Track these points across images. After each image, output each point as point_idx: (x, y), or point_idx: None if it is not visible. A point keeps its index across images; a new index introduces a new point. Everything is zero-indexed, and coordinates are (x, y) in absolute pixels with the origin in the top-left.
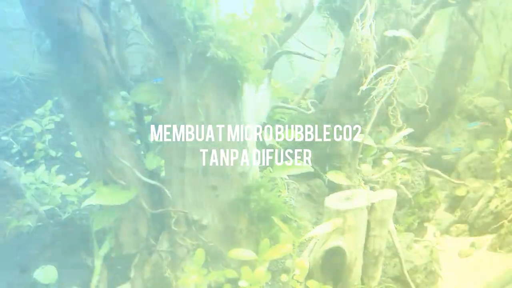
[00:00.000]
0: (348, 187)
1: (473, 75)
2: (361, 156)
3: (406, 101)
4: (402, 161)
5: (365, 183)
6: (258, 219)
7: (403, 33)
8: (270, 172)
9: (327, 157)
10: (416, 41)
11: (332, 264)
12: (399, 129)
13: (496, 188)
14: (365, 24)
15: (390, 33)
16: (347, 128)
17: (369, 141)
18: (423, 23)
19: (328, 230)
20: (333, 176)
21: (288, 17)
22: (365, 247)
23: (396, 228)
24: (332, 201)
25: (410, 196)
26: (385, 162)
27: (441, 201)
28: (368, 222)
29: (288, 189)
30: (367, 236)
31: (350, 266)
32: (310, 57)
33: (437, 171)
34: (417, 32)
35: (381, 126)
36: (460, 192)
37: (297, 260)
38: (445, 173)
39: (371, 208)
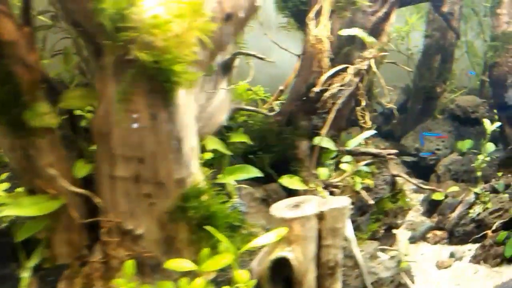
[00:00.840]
0: (305, 192)
1: (453, 73)
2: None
3: (385, 101)
4: (366, 164)
5: (325, 187)
6: (199, 228)
7: (358, 32)
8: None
9: (284, 160)
10: (373, 40)
11: (281, 275)
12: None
13: (476, 193)
14: (320, 23)
15: (345, 32)
16: (305, 131)
17: (327, 144)
18: (382, 21)
19: (270, 241)
20: (287, 181)
21: (228, 17)
22: (318, 257)
23: (358, 236)
24: (279, 208)
25: (371, 201)
26: (343, 166)
27: (412, 206)
28: (320, 231)
29: (240, 194)
30: (319, 246)
31: (300, 278)
32: (261, 58)
33: (404, 175)
34: (376, 30)
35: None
36: (437, 196)
37: (237, 272)
38: (425, 176)
39: (321, 217)
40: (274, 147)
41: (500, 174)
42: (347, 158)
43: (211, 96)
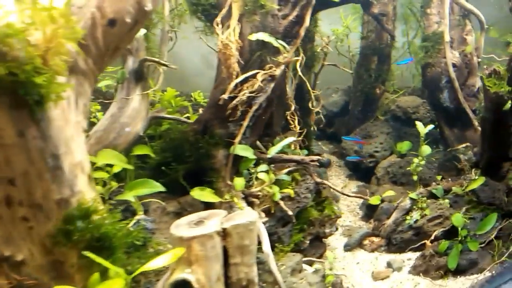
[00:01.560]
0: (220, 204)
1: (394, 74)
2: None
3: (327, 103)
4: (289, 172)
5: (245, 198)
6: (90, 251)
7: (264, 36)
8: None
9: (200, 171)
10: (283, 44)
11: None
12: (299, 135)
13: (412, 199)
14: (230, 28)
15: (253, 36)
16: (221, 140)
17: (244, 152)
18: (295, 25)
19: (166, 263)
20: (198, 193)
21: (112, 23)
22: (227, 276)
23: (280, 249)
24: (179, 226)
25: (290, 212)
26: (260, 175)
27: (341, 214)
28: (226, 249)
29: (149, 209)
30: (227, 264)
31: None
32: (165, 65)
33: (327, 182)
34: (290, 34)
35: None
36: (374, 200)
37: None
38: (366, 178)
39: (225, 234)
40: (189, 157)
41: (439, 177)
42: (263, 167)
43: (123, 105)
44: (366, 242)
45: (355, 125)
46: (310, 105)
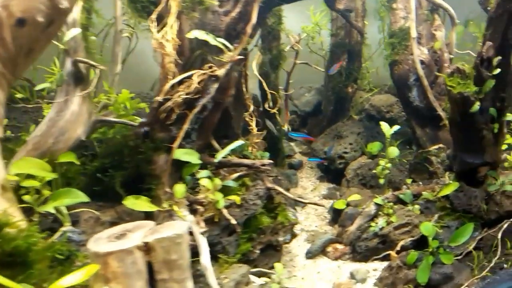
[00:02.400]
0: (159, 213)
1: (367, 72)
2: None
3: (300, 103)
4: (239, 177)
5: (190, 205)
6: (2, 266)
7: (199, 34)
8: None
9: (139, 178)
10: (223, 42)
11: None
12: (258, 136)
13: (378, 204)
14: (167, 25)
15: (191, 35)
16: (162, 144)
17: (187, 157)
18: (239, 22)
19: (78, 280)
20: (132, 202)
21: (21, 22)
22: None
23: (224, 260)
24: (99, 240)
25: (233, 221)
26: (203, 181)
27: (296, 221)
28: (152, 264)
29: (81, 220)
30: (154, 280)
31: None
32: (94, 66)
33: (278, 187)
34: (233, 32)
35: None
36: (339, 204)
37: None
38: (337, 180)
39: (148, 248)
40: (128, 163)
41: (409, 181)
42: (205, 172)
43: (62, 109)
44: (329, 249)
45: (328, 125)
46: (266, 106)
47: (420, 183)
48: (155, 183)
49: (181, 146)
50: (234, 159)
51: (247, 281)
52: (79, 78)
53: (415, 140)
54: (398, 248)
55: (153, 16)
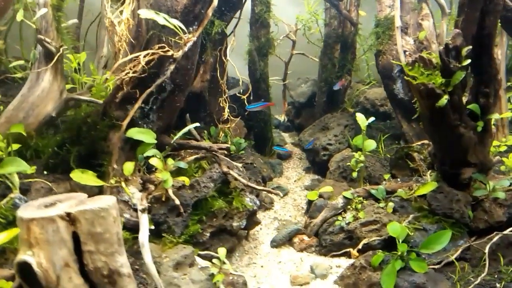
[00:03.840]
0: (107, 188)
1: (367, 64)
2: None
3: (295, 93)
4: (196, 159)
5: (144, 183)
6: None
7: (150, 14)
8: None
9: (93, 154)
10: (177, 24)
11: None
12: (227, 122)
13: (346, 198)
14: (124, 5)
15: (143, 14)
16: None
17: (141, 136)
18: (196, 4)
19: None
20: (78, 176)
21: None
22: (83, 264)
23: (170, 240)
24: (28, 207)
25: (177, 201)
26: (153, 161)
27: (252, 207)
28: (77, 235)
29: (33, 189)
30: (82, 251)
31: (49, 285)
32: (51, 44)
33: (233, 172)
34: (191, 14)
35: None
36: (311, 196)
37: None
38: (322, 172)
39: (72, 219)
40: (85, 139)
41: (387, 176)
42: (152, 152)
43: (33, 86)
44: (296, 240)
45: (321, 116)
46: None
47: (399, 179)
48: (107, 160)
49: (138, 125)
50: (193, 142)
51: (191, 262)
52: (49, 57)
53: (402, 135)
54: (360, 246)
55: None
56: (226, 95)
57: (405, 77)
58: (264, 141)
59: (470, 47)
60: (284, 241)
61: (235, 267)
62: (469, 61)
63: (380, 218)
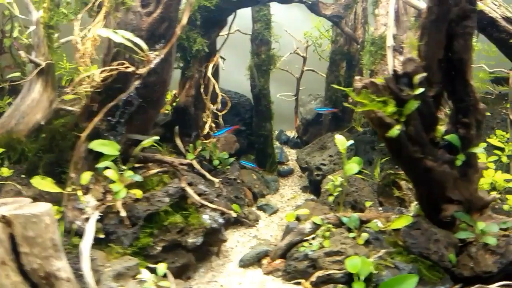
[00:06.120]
0: (66, 195)
1: None
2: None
3: (304, 110)
4: (159, 172)
5: (105, 193)
6: None
7: (107, 33)
8: None
9: (62, 162)
10: (137, 41)
11: None
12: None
13: (315, 224)
14: (93, 23)
15: (100, 33)
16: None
17: (101, 148)
18: (162, 22)
19: None
20: (37, 182)
21: None
22: (21, 264)
23: (117, 250)
24: None
25: (123, 213)
26: (107, 172)
27: (208, 225)
28: (13, 237)
29: (3, 191)
30: (19, 252)
31: None
32: (34, 62)
33: (189, 189)
34: (157, 32)
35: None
36: (288, 217)
37: None
38: (317, 192)
39: (7, 221)
40: (56, 147)
41: (368, 204)
42: (105, 163)
43: (25, 96)
44: (265, 261)
45: (325, 134)
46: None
47: (381, 208)
48: (71, 168)
49: (104, 137)
50: (158, 155)
51: (135, 274)
52: (39, 71)
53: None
54: (313, 279)
55: (79, 15)
56: (210, 110)
57: (346, 104)
58: (264, 157)
59: (424, 74)
60: (252, 261)
61: (195, 283)
62: (422, 89)
63: (345, 250)
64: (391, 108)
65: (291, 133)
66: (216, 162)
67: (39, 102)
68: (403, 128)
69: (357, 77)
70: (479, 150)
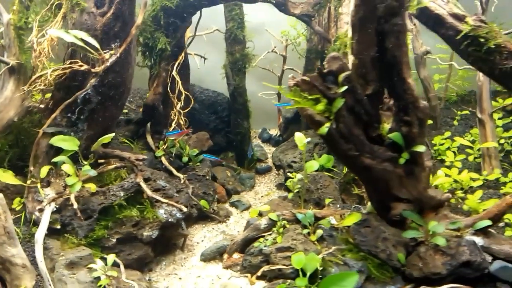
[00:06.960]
0: (27, 188)
1: None
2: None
3: (284, 109)
4: (116, 168)
5: (65, 187)
6: None
7: (58, 33)
8: None
9: (27, 157)
10: (89, 41)
11: None
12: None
13: (272, 220)
14: (52, 24)
15: (52, 33)
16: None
17: (61, 143)
18: (116, 22)
19: None
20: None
21: None
22: None
23: (72, 241)
24: None
25: (75, 205)
26: (64, 167)
27: (163, 220)
28: None
29: None
30: None
31: None
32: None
33: (143, 184)
34: (112, 31)
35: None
36: (252, 214)
37: None
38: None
39: None
40: (21, 143)
41: (328, 201)
42: (60, 158)
43: None
44: (225, 256)
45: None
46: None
47: (338, 205)
48: (34, 163)
49: (65, 133)
50: (116, 151)
51: (88, 263)
52: (11, 70)
53: None
54: (258, 274)
55: (38, 17)
56: (177, 108)
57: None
58: (242, 155)
59: (348, 72)
60: (212, 256)
61: (155, 275)
62: (345, 87)
63: (296, 246)
64: (321, 106)
65: (275, 131)
66: (185, 159)
67: (12, 100)
68: (334, 126)
69: (290, 75)
70: (422, 148)
